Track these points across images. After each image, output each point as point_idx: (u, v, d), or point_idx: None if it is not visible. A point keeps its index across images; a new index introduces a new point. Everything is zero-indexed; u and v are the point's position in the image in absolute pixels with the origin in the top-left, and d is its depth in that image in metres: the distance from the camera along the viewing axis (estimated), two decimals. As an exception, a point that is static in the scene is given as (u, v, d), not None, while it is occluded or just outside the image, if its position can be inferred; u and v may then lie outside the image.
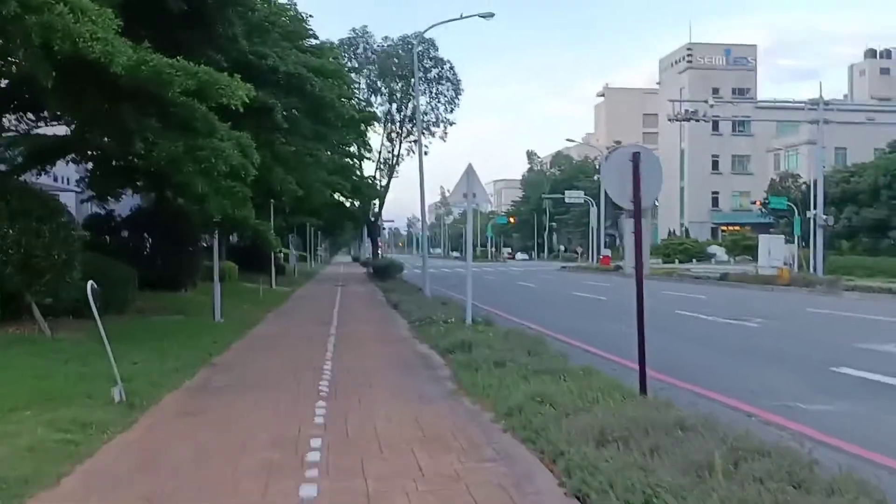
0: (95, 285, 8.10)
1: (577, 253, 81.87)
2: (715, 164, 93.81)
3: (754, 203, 70.30)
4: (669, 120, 37.92)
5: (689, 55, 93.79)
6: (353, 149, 39.10)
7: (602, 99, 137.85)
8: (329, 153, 27.86)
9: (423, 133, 53.81)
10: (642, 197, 8.18)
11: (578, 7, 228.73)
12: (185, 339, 13.43)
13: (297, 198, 28.57)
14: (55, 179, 29.54)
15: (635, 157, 8.10)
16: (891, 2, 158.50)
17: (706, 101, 36.59)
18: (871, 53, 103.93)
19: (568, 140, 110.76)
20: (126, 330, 14.06)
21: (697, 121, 37.04)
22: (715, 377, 10.92)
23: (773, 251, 37.56)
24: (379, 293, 29.26)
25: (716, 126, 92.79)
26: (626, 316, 21.26)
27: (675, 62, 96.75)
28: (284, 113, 20.77)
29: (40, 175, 25.62)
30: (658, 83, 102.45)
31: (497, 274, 54.61)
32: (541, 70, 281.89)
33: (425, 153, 55.68)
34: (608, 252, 62.09)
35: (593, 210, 61.04)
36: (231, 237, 39.97)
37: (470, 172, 15.78)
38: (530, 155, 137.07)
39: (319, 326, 16.80)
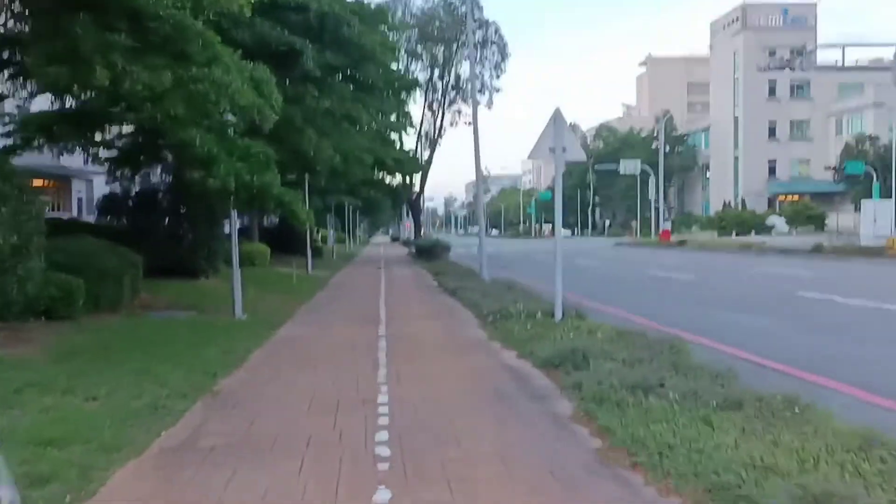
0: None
1: (631, 227, 77.37)
2: (772, 131, 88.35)
3: (829, 168, 65.16)
4: (759, 70, 33.43)
5: (743, 16, 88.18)
6: (393, 118, 35.24)
7: (644, 69, 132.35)
8: (370, 117, 23.99)
9: (468, 102, 50.02)
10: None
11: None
12: (187, 349, 9.88)
13: (334, 170, 24.94)
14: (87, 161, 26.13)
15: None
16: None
17: (804, 47, 31.76)
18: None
19: (624, 105, 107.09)
20: (110, 337, 10.57)
21: (792, 69, 32.58)
22: None
23: (880, 218, 32.96)
24: (428, 277, 25.62)
25: (773, 90, 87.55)
26: (738, 301, 17.34)
27: (728, 24, 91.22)
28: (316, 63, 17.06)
29: (61, 155, 22.33)
30: (710, 47, 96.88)
31: (548, 252, 50.65)
32: (577, 43, 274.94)
33: (468, 123, 52.05)
34: (668, 225, 57.50)
35: (651, 180, 56.70)
36: (266, 218, 36.68)
37: (558, 120, 11.99)
38: (573, 127, 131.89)
39: (364, 325, 13.17)
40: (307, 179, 27.23)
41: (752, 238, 53.95)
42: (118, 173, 23.57)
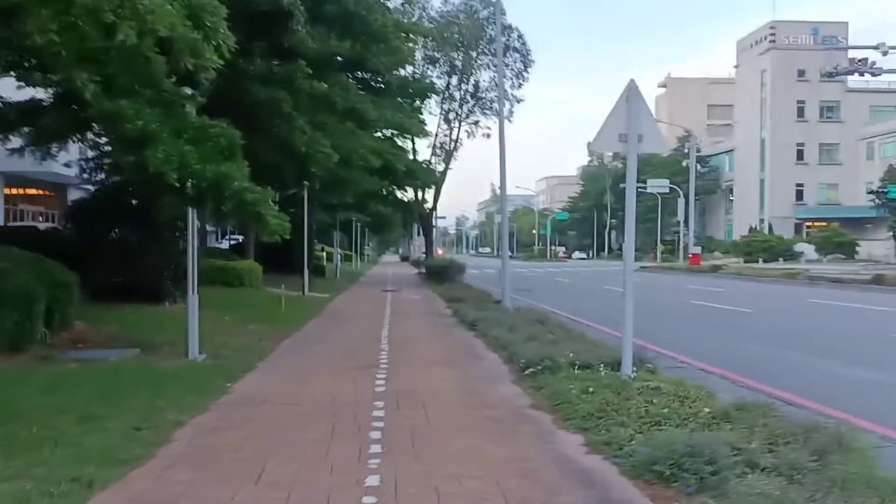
0: None
1: (655, 250, 73.46)
2: (800, 154, 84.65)
3: (871, 192, 61.39)
4: (822, 76, 30.12)
5: (771, 34, 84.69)
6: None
7: (663, 90, 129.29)
8: (379, 115, 20.29)
9: (486, 113, 46.72)
10: None
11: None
12: (79, 423, 6.45)
13: (334, 176, 21.52)
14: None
15: None
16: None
17: (877, 48, 28.14)
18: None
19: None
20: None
21: (861, 73, 29.08)
22: None
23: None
24: (441, 303, 22.16)
25: (801, 112, 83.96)
26: (838, 347, 12.88)
27: (756, 42, 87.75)
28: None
29: (44, 160, 18.96)
30: (735, 66, 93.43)
31: (568, 275, 47.15)
32: (595, 61, 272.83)
33: (486, 136, 48.54)
34: (697, 249, 53.55)
35: (681, 202, 53.11)
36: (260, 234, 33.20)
37: (633, 96, 8.56)
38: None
39: (358, 374, 9.72)
40: (306, 188, 23.94)
41: (798, 265, 50.08)
42: (91, 175, 20.30)
